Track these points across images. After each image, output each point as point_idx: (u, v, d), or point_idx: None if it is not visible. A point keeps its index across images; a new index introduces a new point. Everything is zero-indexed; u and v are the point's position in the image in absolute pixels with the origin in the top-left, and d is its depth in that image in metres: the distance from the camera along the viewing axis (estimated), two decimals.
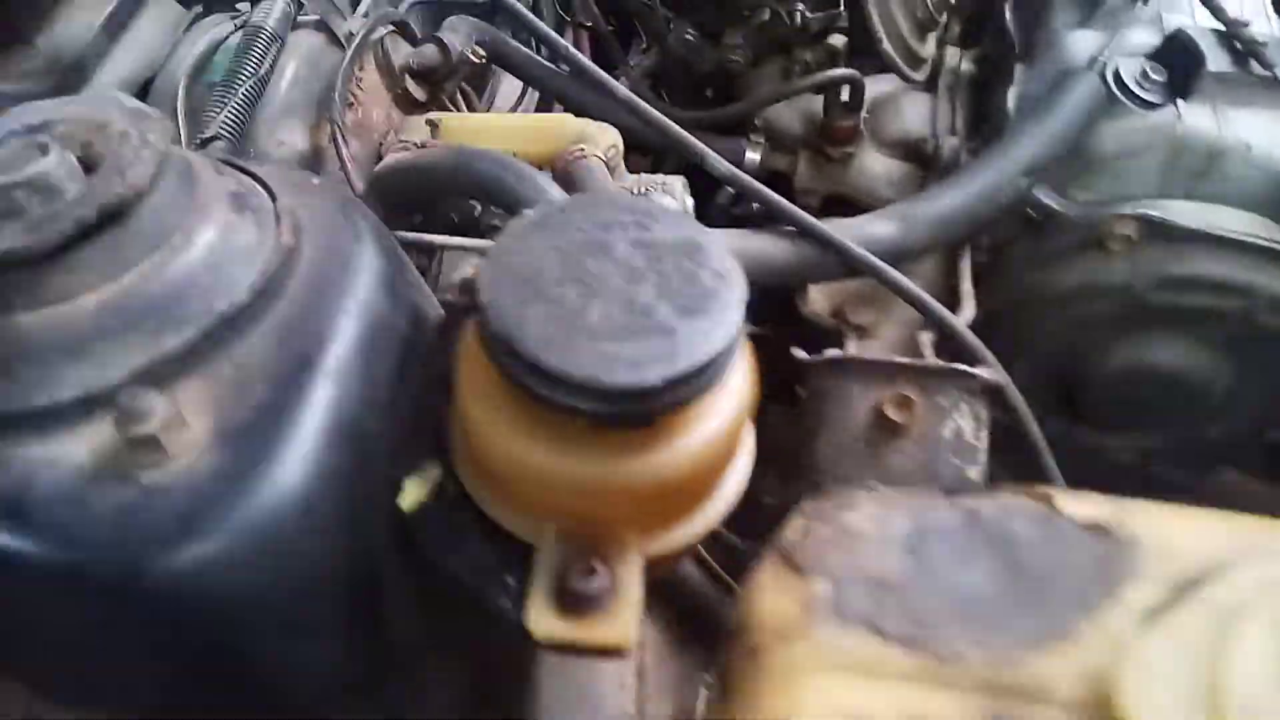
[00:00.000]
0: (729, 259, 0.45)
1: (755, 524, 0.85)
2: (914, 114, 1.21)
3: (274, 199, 0.55)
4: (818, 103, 1.24)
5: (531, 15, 0.89)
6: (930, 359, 0.74)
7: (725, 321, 0.42)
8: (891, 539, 0.47)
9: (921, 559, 0.46)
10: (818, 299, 0.98)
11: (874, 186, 1.21)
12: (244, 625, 0.44)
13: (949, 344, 0.84)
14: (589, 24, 1.43)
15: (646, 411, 0.41)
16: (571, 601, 0.45)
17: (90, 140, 0.49)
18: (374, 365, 0.51)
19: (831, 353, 0.73)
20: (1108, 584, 0.42)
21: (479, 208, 1.02)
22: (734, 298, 0.43)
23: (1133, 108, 0.93)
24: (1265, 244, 0.92)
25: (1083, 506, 0.47)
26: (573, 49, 0.84)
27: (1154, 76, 0.93)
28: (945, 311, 0.79)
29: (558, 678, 0.52)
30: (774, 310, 0.99)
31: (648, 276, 0.44)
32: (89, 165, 0.49)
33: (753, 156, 1.25)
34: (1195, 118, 0.91)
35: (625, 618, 0.45)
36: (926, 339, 0.80)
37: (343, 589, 0.47)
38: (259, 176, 0.57)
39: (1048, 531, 0.46)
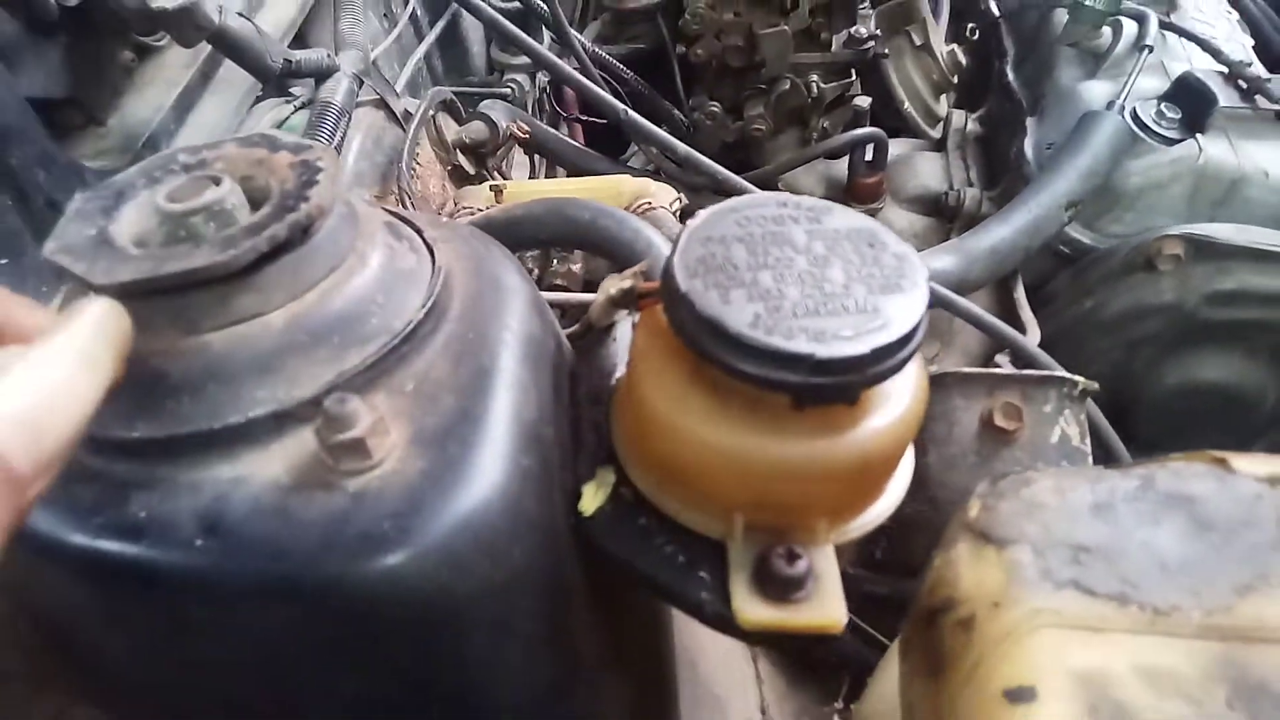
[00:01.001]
0: (902, 242, 0.47)
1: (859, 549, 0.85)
2: (929, 171, 1.28)
3: (419, 231, 0.56)
4: (835, 166, 1.30)
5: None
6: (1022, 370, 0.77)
7: (918, 295, 0.44)
8: (1077, 507, 0.48)
9: (1111, 523, 0.47)
10: None
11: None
12: (456, 625, 0.44)
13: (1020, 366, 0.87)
14: (583, 118, 1.55)
15: (858, 383, 0.42)
16: (776, 587, 0.45)
17: (251, 175, 0.50)
18: (537, 379, 0.52)
19: (930, 369, 0.75)
20: None
21: (536, 269, 1.04)
22: (920, 274, 0.45)
23: (1154, 144, 0.99)
24: None
25: (1256, 465, 0.48)
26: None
27: (1169, 115, 1.00)
28: (1020, 336, 0.82)
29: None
30: None
31: (832, 261, 0.46)
32: (251, 199, 0.50)
33: None
34: (1214, 150, 0.97)
35: (834, 598, 0.45)
36: (1004, 360, 0.83)
37: (542, 589, 0.47)
38: (397, 212, 0.58)
39: (1227, 489, 0.48)
